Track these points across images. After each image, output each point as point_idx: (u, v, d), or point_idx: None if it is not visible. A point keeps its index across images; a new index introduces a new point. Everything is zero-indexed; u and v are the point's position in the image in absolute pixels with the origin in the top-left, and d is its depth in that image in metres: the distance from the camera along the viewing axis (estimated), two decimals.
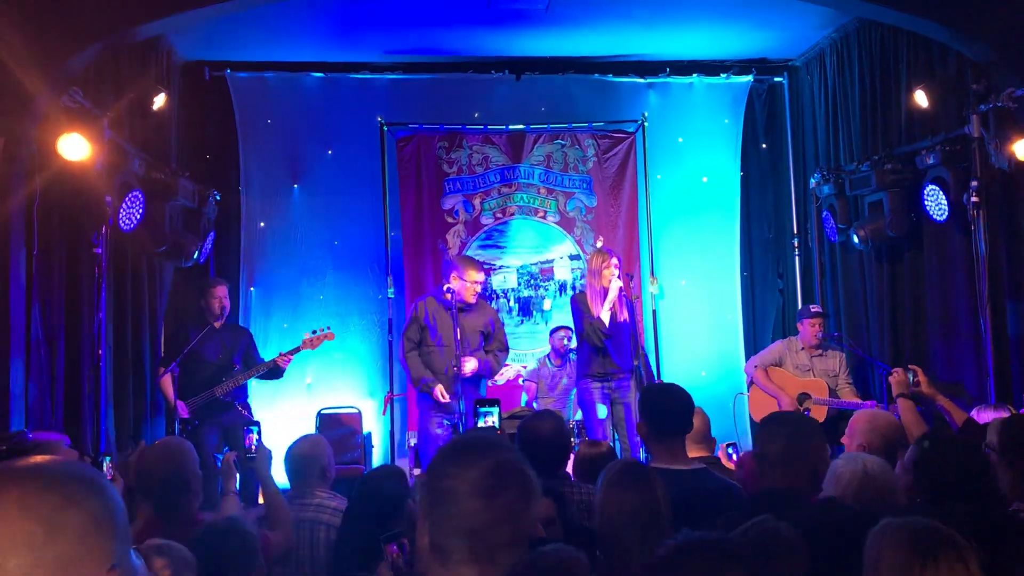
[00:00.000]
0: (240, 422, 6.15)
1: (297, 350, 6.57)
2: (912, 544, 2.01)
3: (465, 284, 6.01)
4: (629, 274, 6.14)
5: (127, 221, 5.68)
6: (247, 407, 6.66)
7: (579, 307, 6.21)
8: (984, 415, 4.23)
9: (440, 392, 5.93)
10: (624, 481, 2.46)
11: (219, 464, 3.90)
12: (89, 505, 1.17)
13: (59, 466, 1.22)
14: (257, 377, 6.64)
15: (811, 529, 2.28)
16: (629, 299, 6.11)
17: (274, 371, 6.58)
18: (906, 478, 2.96)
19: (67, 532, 1.14)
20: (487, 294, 7.80)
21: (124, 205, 5.61)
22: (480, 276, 6.15)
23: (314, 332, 6.62)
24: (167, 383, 6.29)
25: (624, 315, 6.06)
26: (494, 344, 6.25)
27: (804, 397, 6.46)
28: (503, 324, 6.58)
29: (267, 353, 6.94)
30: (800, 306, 7.86)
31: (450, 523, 1.52)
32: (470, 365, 5.93)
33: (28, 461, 1.21)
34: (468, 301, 6.02)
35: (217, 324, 6.57)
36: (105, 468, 4.03)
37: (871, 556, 2.07)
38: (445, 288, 6.06)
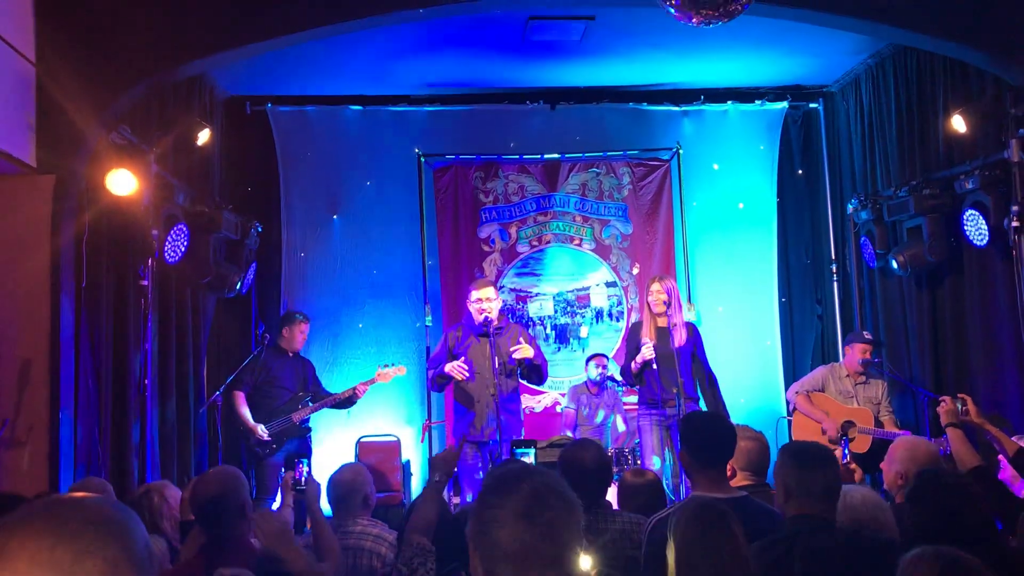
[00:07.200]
0: (303, 451, 6.40)
1: (372, 381, 6.86)
2: (942, 573, 2.02)
3: (471, 307, 5.97)
4: (667, 301, 6.12)
5: (172, 253, 5.80)
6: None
7: (630, 335, 6.37)
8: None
9: (456, 367, 5.79)
10: (704, 528, 2.44)
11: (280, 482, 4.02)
12: (106, 552, 1.14)
13: (76, 513, 1.16)
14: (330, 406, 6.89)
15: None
16: (667, 326, 6.09)
17: (349, 399, 6.84)
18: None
19: None
20: (524, 321, 7.84)
21: (169, 238, 5.74)
22: (480, 293, 5.95)
23: (386, 365, 6.91)
24: (242, 405, 6.55)
25: (681, 340, 6.05)
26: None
27: (849, 425, 6.38)
28: (534, 337, 6.53)
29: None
30: (841, 332, 7.81)
31: (496, 549, 1.58)
32: (524, 352, 5.82)
33: (42, 510, 1.16)
34: (477, 320, 5.89)
35: (291, 353, 6.84)
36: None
37: None
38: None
